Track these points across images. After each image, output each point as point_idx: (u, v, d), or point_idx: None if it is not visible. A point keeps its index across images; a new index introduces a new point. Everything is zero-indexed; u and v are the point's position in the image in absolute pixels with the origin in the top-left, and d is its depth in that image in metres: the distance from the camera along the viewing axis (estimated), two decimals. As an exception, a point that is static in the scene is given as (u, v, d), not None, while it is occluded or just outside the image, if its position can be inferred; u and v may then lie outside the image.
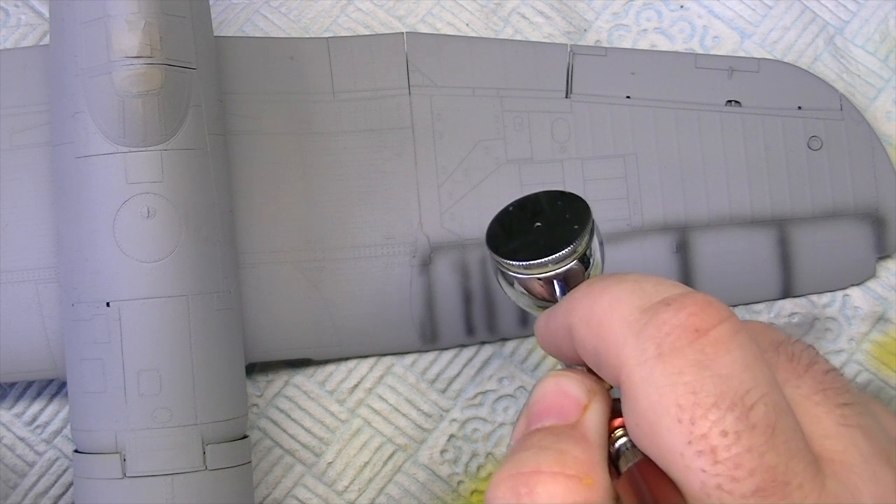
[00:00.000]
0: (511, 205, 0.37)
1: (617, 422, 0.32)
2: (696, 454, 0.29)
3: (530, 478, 0.30)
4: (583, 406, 0.32)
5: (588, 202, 0.35)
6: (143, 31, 0.37)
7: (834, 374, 0.32)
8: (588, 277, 0.35)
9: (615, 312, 0.31)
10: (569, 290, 0.34)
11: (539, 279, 0.35)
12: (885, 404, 0.35)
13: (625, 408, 0.31)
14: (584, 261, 0.35)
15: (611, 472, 0.31)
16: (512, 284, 0.36)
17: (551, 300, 0.35)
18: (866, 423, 0.31)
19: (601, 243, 0.36)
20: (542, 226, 0.35)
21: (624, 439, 0.31)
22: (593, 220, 0.35)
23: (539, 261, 0.34)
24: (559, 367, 0.45)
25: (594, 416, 0.32)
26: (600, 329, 0.31)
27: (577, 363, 0.34)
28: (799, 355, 0.32)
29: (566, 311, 0.33)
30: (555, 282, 0.35)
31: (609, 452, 0.31)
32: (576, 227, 0.35)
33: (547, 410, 0.32)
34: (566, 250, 0.34)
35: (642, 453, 0.30)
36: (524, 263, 0.35)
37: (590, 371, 0.33)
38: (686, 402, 0.29)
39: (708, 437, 0.29)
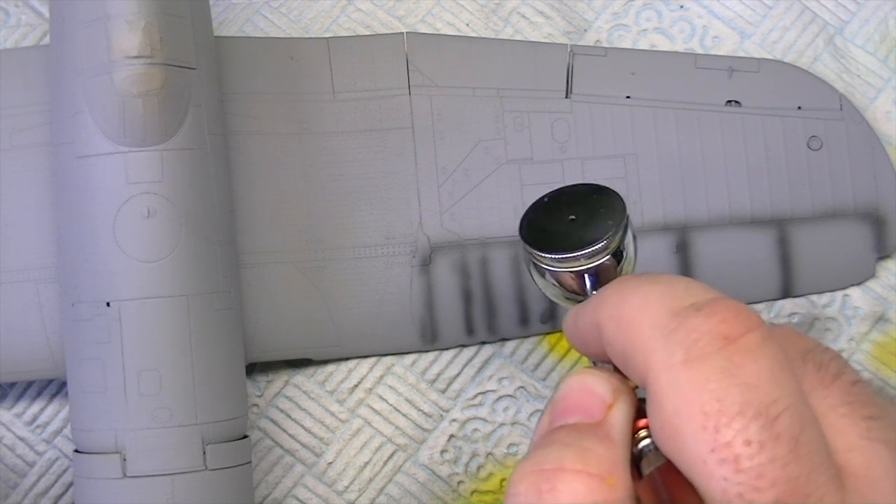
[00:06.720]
0: (546, 195, 0.36)
1: (641, 422, 0.31)
2: (719, 462, 0.28)
3: (553, 474, 0.30)
4: (608, 405, 0.32)
5: (623, 197, 0.35)
6: (143, 31, 0.37)
7: (861, 386, 0.32)
8: (620, 272, 0.35)
9: (645, 314, 0.31)
10: (600, 284, 0.34)
11: (571, 272, 0.35)
12: None
13: (649, 411, 0.30)
14: (617, 256, 0.35)
15: (632, 473, 0.31)
16: (543, 275, 0.36)
17: (581, 293, 0.35)
18: (892, 437, 0.31)
19: (634, 238, 0.36)
20: (577, 219, 0.35)
21: (647, 440, 0.31)
22: (628, 216, 0.35)
23: (572, 255, 0.34)
24: (558, 367, 0.45)
25: (619, 416, 0.31)
26: (629, 330, 0.31)
27: (604, 360, 0.33)
28: (827, 365, 0.32)
29: (595, 308, 0.33)
30: (586, 275, 0.35)
31: (632, 452, 0.31)
32: (610, 222, 0.35)
33: (572, 407, 0.32)
34: (600, 245, 0.34)
35: (665, 457, 0.30)
36: (557, 256, 0.35)
37: (616, 370, 0.33)
38: (711, 410, 0.29)
39: (731, 446, 0.28)
